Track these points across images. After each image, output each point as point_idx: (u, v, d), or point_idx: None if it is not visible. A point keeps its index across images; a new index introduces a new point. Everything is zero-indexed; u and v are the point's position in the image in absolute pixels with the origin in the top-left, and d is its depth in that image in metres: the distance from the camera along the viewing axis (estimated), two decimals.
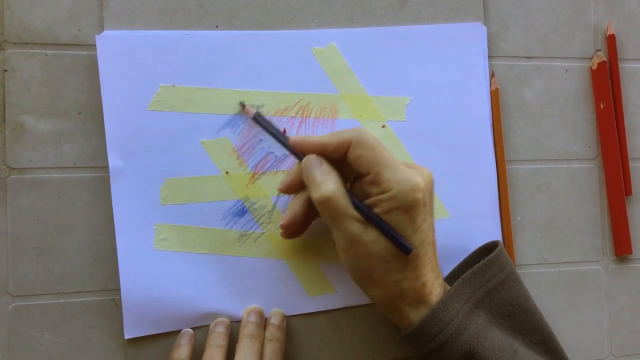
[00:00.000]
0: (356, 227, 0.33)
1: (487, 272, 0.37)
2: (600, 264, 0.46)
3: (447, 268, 0.41)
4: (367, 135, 0.34)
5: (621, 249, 0.46)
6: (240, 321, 0.39)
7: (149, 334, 0.38)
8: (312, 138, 0.35)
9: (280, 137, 0.38)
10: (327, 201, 0.33)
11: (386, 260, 0.33)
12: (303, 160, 0.35)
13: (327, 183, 0.34)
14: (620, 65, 0.46)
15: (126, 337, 0.38)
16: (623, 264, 0.46)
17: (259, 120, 0.39)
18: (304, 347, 0.40)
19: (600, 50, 0.46)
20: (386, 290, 0.34)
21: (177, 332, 0.38)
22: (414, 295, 0.34)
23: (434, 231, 0.35)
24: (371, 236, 0.33)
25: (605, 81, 0.46)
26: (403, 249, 0.33)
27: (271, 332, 0.38)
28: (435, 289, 0.35)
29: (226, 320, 0.38)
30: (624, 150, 0.46)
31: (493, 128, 0.44)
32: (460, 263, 0.41)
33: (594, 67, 0.46)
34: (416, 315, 0.35)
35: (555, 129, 0.46)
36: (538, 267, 0.45)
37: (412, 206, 0.33)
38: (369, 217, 0.33)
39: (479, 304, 0.37)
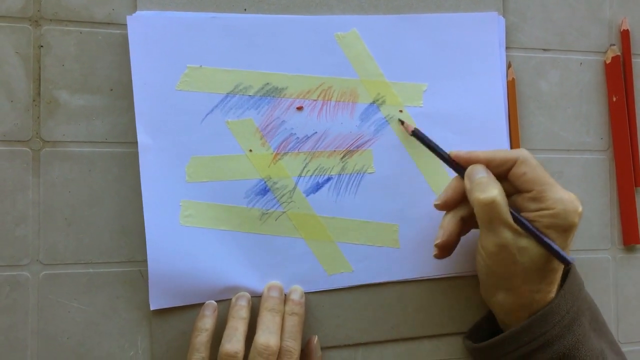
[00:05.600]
0: (510, 234, 0.36)
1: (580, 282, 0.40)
2: (609, 252, 0.47)
3: None
4: (531, 155, 0.37)
5: (629, 239, 0.47)
6: (260, 296, 0.40)
7: (173, 305, 0.39)
8: (477, 152, 0.38)
9: (440, 151, 0.40)
10: (492, 203, 0.35)
11: (530, 270, 0.36)
12: (470, 167, 0.38)
13: (493, 187, 0.36)
14: (634, 59, 0.48)
15: (152, 308, 0.39)
16: (631, 253, 0.48)
17: (418, 134, 0.41)
18: (321, 323, 0.42)
19: (614, 45, 0.47)
20: (518, 298, 0.37)
21: (199, 305, 0.39)
22: (540, 307, 0.37)
23: None
24: (522, 245, 0.36)
25: (619, 75, 0.47)
26: (563, 261, 0.35)
27: (291, 307, 0.39)
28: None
29: (247, 294, 0.40)
30: (635, 143, 0.47)
31: (509, 117, 0.45)
32: None
33: (608, 61, 0.47)
34: None
35: (569, 120, 0.47)
36: None
37: (570, 227, 0.36)
38: (527, 227, 0.36)
39: (581, 312, 0.38)
